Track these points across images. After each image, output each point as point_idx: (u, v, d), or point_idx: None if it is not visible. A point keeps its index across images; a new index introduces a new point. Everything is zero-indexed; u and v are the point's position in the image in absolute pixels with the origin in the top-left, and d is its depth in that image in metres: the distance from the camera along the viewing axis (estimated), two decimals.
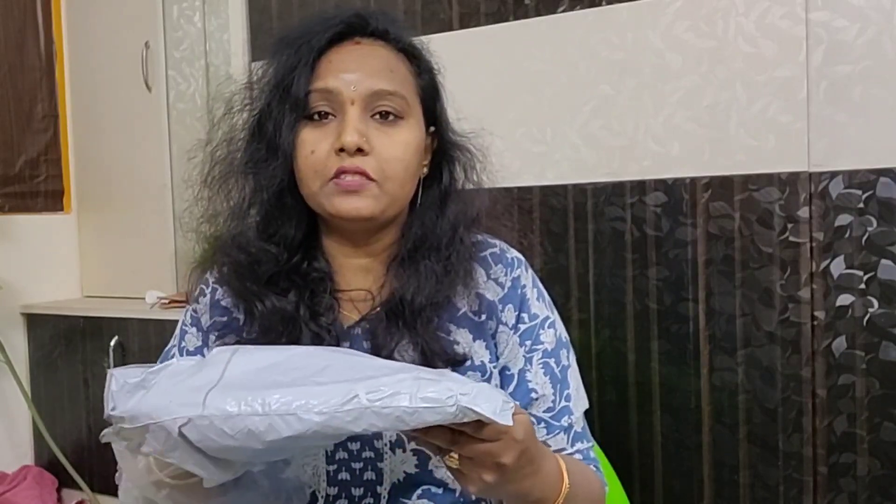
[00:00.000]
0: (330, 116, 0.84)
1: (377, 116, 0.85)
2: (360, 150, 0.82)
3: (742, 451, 1.53)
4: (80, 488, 2.20)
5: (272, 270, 0.87)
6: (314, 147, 0.84)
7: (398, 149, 0.84)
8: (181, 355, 0.94)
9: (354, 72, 0.84)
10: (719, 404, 1.54)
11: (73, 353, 2.30)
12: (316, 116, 0.85)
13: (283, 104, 0.85)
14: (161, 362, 0.96)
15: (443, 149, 0.92)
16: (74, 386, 2.30)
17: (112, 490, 2.23)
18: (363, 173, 0.82)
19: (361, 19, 0.88)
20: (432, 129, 0.91)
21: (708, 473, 1.56)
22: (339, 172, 0.82)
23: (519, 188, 1.73)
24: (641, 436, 1.62)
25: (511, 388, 0.90)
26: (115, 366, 2.17)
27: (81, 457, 2.26)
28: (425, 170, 0.91)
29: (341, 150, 0.82)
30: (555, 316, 0.95)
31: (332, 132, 0.84)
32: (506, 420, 0.63)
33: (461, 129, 0.94)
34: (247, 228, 0.88)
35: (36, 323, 2.40)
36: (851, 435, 1.43)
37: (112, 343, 2.18)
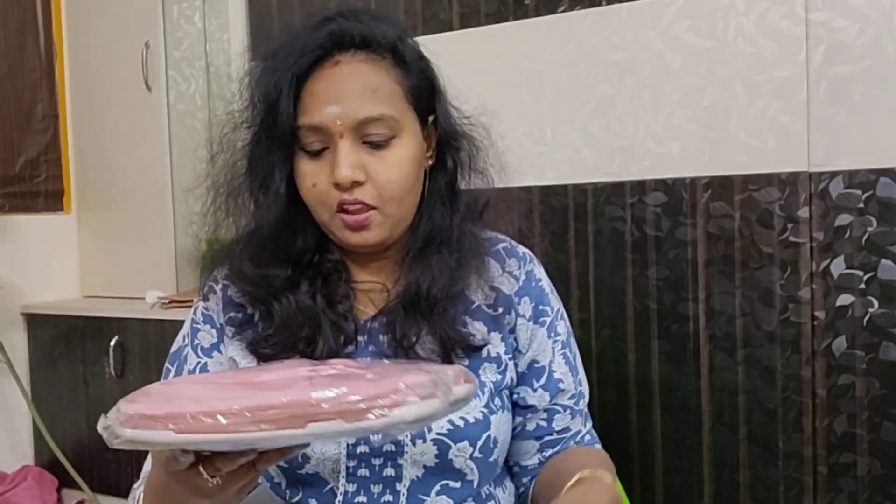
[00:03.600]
0: (324, 148, 0.85)
1: (368, 142, 0.84)
2: (355, 182, 0.83)
3: (742, 451, 1.53)
4: (80, 488, 2.20)
5: (283, 280, 0.88)
6: (314, 180, 0.85)
7: (393, 171, 0.85)
8: (195, 353, 0.94)
9: (338, 102, 0.83)
10: (719, 404, 1.54)
11: (73, 353, 2.30)
12: (311, 147, 0.85)
13: (272, 141, 0.86)
14: (172, 363, 0.97)
15: (445, 137, 0.91)
16: (74, 386, 2.30)
17: (112, 490, 2.24)
18: (363, 203, 0.84)
19: (336, 37, 0.85)
20: (432, 118, 0.90)
21: (708, 473, 1.56)
22: (342, 205, 0.84)
23: (519, 188, 1.73)
24: (641, 436, 1.62)
25: (543, 381, 0.93)
26: (115, 366, 2.18)
27: (81, 457, 2.26)
28: (430, 161, 0.91)
29: (338, 183, 0.83)
30: (562, 307, 0.99)
31: (328, 164, 0.84)
32: None
33: (462, 113, 0.93)
34: (255, 249, 0.89)
35: (36, 323, 2.40)
36: (851, 435, 1.43)
37: (112, 343, 2.18)
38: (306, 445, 0.73)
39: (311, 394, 0.59)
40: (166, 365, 0.96)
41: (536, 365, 0.93)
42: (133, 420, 0.61)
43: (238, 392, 0.64)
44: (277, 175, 0.86)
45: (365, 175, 0.83)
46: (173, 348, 0.97)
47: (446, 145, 0.92)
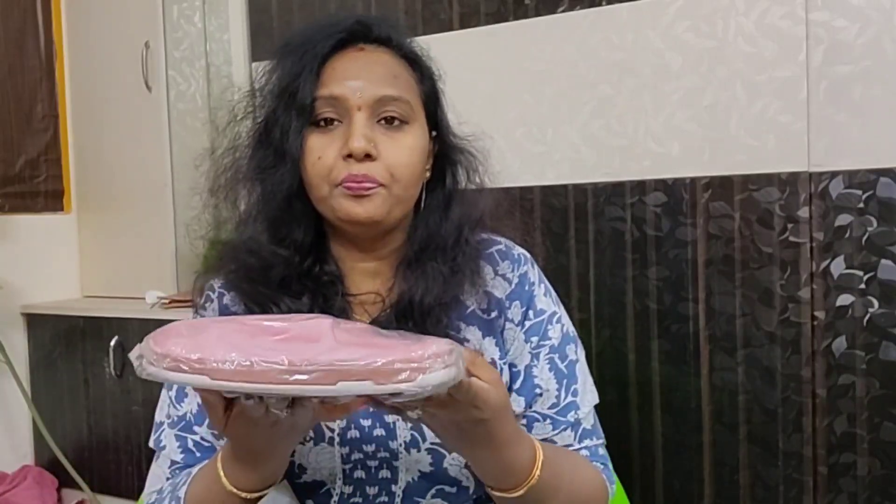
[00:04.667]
0: (336, 122, 0.85)
1: (383, 122, 0.85)
2: (367, 156, 0.83)
3: (742, 451, 1.53)
4: (80, 488, 2.20)
5: (283, 273, 0.87)
6: (321, 153, 0.84)
7: (404, 153, 0.85)
8: None
9: (359, 78, 0.85)
10: (719, 404, 1.54)
11: (73, 353, 2.30)
12: (322, 123, 0.85)
13: (289, 111, 0.85)
14: None
15: (444, 153, 0.92)
16: (74, 386, 2.30)
17: (112, 490, 2.24)
18: (371, 178, 0.83)
19: (364, 26, 0.88)
20: (434, 133, 0.92)
21: (708, 473, 1.56)
22: (348, 178, 0.83)
23: (519, 188, 1.73)
24: (641, 436, 1.62)
25: (518, 385, 0.91)
26: (115, 366, 2.18)
27: (81, 457, 2.26)
28: (428, 174, 0.92)
29: (349, 155, 0.83)
30: (561, 311, 0.96)
31: (338, 137, 0.84)
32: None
33: (461, 133, 0.94)
34: (256, 233, 0.88)
35: (36, 323, 2.40)
36: (851, 435, 1.43)
37: (112, 343, 2.18)
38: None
39: (342, 354, 0.63)
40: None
41: (514, 369, 0.92)
42: (166, 360, 0.64)
43: (270, 342, 0.66)
44: (293, 143, 0.85)
45: (377, 153, 0.84)
46: None
47: (445, 160, 0.92)
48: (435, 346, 0.64)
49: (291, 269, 0.87)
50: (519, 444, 0.77)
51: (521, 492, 0.77)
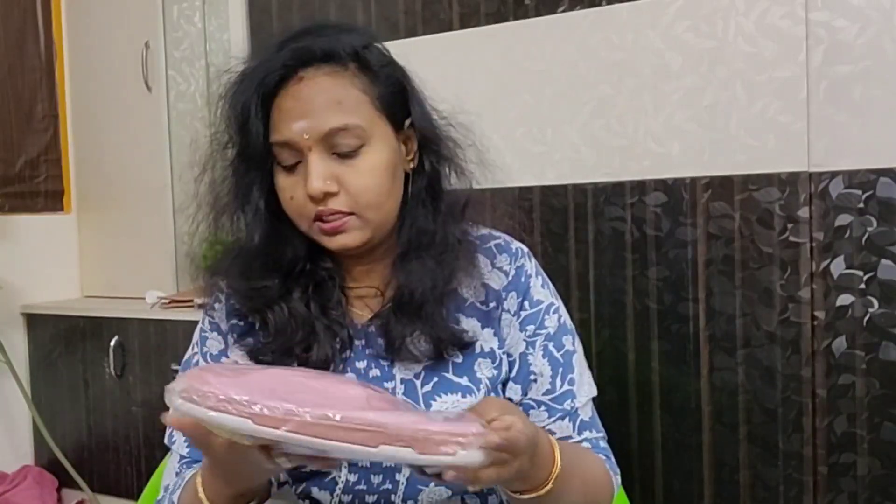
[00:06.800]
0: (298, 162, 0.86)
1: (336, 155, 0.85)
2: (328, 193, 0.84)
3: (742, 451, 1.53)
4: (80, 488, 2.20)
5: (279, 291, 0.89)
6: (292, 193, 0.87)
7: (366, 178, 0.85)
8: (205, 360, 0.96)
9: (303, 118, 0.84)
10: (719, 404, 1.54)
11: (73, 353, 2.30)
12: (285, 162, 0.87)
13: (247, 159, 0.88)
14: (184, 371, 0.97)
15: (423, 142, 0.92)
16: (74, 386, 2.30)
17: (112, 490, 2.24)
18: (338, 211, 0.85)
19: (302, 51, 0.86)
20: (409, 122, 0.90)
21: (708, 473, 1.56)
22: (318, 216, 0.85)
23: (519, 188, 1.73)
24: (641, 436, 1.62)
25: (514, 373, 0.93)
26: (115, 366, 2.18)
27: (81, 457, 2.27)
28: (412, 164, 0.92)
29: (311, 196, 0.84)
30: (559, 303, 0.97)
31: (303, 177, 0.86)
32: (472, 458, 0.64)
33: (440, 113, 0.93)
34: (244, 263, 0.91)
35: (36, 323, 2.40)
36: (851, 435, 1.43)
37: (112, 343, 2.18)
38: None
39: (391, 417, 0.62)
40: (179, 373, 0.97)
41: (510, 357, 0.93)
42: (211, 398, 0.62)
43: (311, 397, 0.65)
44: (256, 192, 0.88)
45: (337, 185, 0.85)
46: (185, 356, 0.99)
47: (424, 148, 0.92)
48: (475, 425, 0.64)
49: (289, 279, 0.90)
50: (540, 432, 0.78)
51: (548, 486, 0.77)
